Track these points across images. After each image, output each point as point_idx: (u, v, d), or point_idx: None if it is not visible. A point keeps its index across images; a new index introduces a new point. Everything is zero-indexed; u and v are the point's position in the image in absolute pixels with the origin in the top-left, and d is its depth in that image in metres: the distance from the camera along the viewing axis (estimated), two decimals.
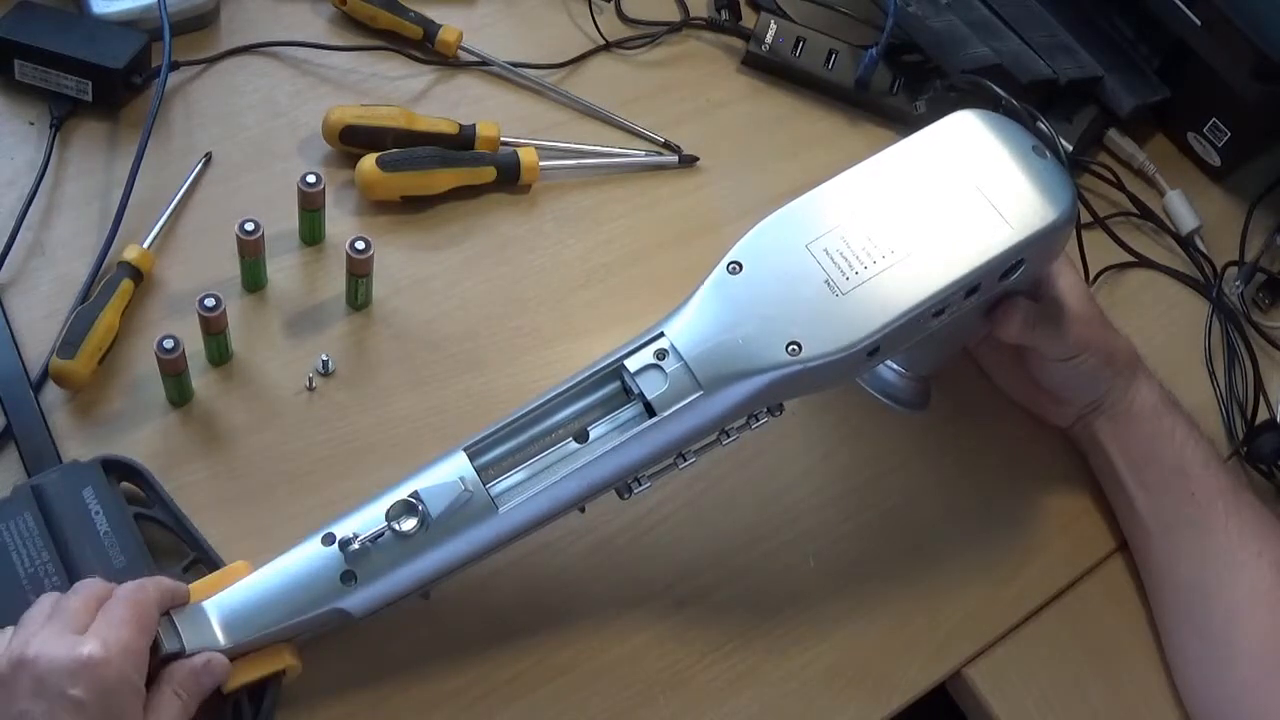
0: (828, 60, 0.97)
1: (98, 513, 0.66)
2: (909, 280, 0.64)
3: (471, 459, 0.63)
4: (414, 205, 0.85)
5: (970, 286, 0.65)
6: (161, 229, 0.80)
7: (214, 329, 0.74)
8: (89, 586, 0.60)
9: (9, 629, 0.58)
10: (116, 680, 0.56)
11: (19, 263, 0.78)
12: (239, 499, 0.72)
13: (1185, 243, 0.97)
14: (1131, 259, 0.94)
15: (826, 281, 0.64)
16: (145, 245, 0.78)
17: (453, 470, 0.63)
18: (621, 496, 0.65)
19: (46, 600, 0.60)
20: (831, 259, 0.64)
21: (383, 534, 0.61)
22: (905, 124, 0.95)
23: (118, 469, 0.69)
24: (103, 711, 0.55)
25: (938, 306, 0.64)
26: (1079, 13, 1.01)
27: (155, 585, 0.60)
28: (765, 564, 0.75)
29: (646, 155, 0.91)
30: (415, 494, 0.62)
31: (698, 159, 0.92)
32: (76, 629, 0.57)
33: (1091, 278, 0.90)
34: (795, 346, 0.63)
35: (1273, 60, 0.89)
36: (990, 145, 0.68)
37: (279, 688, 0.63)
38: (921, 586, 0.77)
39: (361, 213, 0.85)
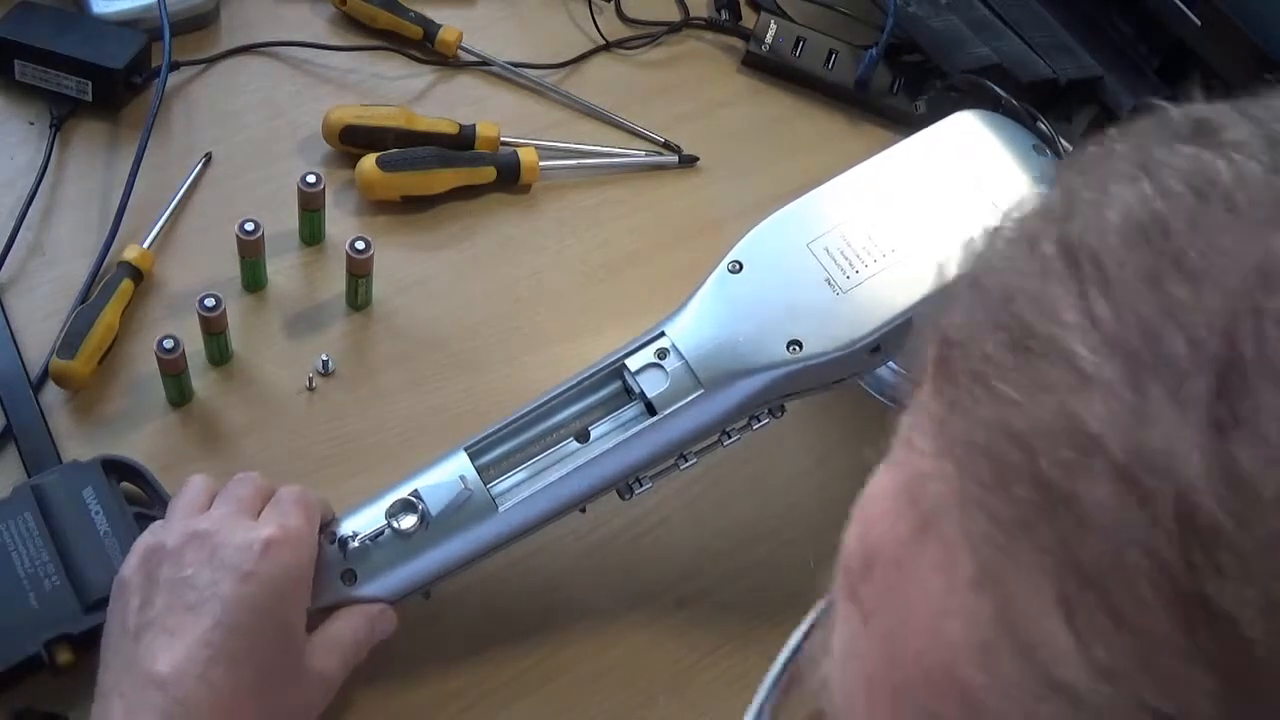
0: (828, 60, 0.97)
1: (98, 513, 0.66)
2: (909, 279, 0.64)
3: (472, 458, 0.63)
4: (414, 205, 0.85)
5: None
6: (161, 229, 0.80)
7: (214, 329, 0.74)
8: (254, 479, 0.62)
9: (159, 523, 0.60)
10: (289, 561, 0.58)
11: (19, 263, 0.78)
12: None
13: None
14: None
15: (827, 280, 0.64)
16: (145, 245, 0.78)
17: (453, 470, 0.63)
18: (622, 497, 0.65)
19: (198, 484, 0.62)
20: (832, 258, 0.64)
21: (383, 532, 0.61)
22: (905, 124, 0.95)
23: (118, 469, 0.69)
24: (270, 590, 0.56)
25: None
26: (1079, 13, 1.01)
27: (311, 492, 0.62)
28: (765, 565, 0.75)
29: (646, 155, 0.91)
30: (415, 492, 0.62)
31: (698, 159, 0.92)
32: (248, 515, 0.59)
33: None
34: (796, 345, 0.63)
35: (1273, 60, 0.89)
36: (991, 145, 0.68)
37: None
38: None
39: (361, 213, 0.85)
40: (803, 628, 0.45)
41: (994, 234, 0.28)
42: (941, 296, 0.28)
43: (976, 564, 0.24)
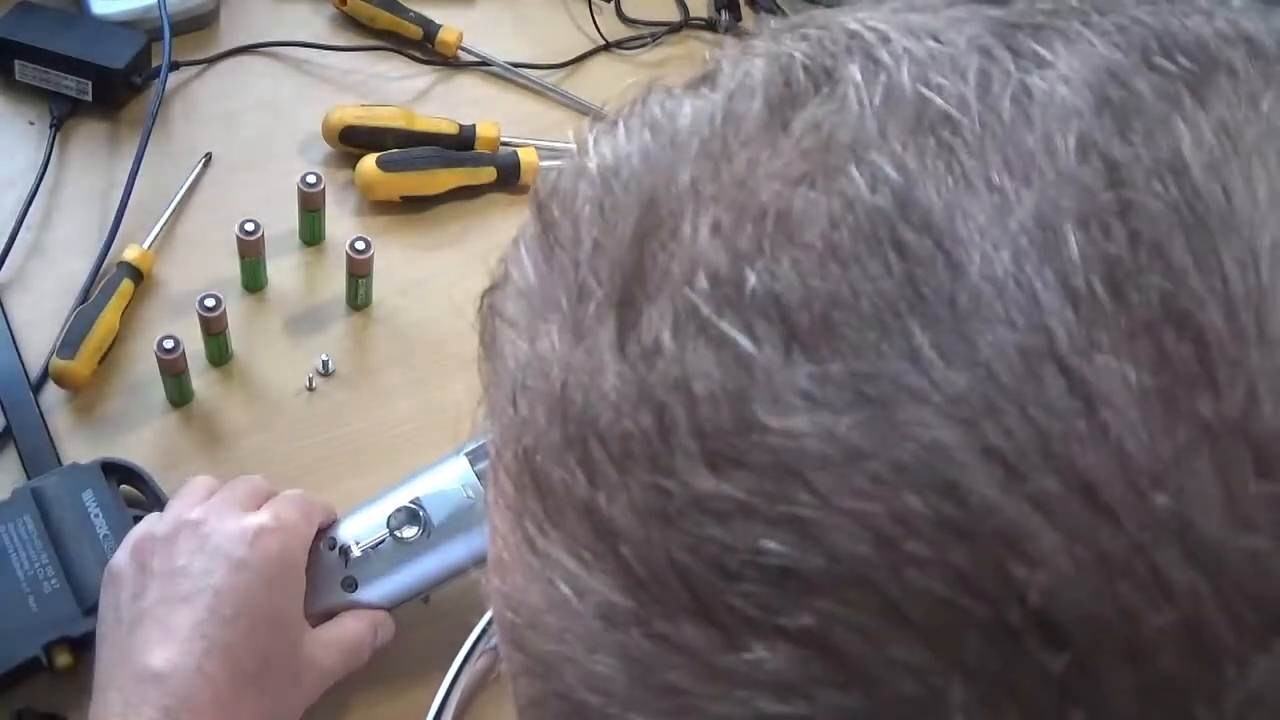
0: None
1: (97, 515, 0.66)
2: None
3: (472, 463, 0.63)
4: (414, 205, 0.85)
5: None
6: (161, 229, 0.80)
7: (214, 329, 0.74)
8: (254, 480, 0.62)
9: (153, 514, 0.60)
10: (281, 551, 0.57)
11: (19, 263, 0.78)
12: None
13: None
14: None
15: None
16: (145, 245, 0.78)
17: (454, 475, 0.63)
18: None
19: (200, 483, 0.61)
20: None
21: (384, 541, 0.61)
22: None
23: (118, 471, 0.69)
24: (263, 578, 0.56)
25: None
26: None
27: (318, 497, 0.63)
28: None
29: None
30: (417, 501, 0.62)
31: None
32: (242, 509, 0.59)
33: None
34: None
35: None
36: None
37: None
38: None
39: (361, 213, 0.85)
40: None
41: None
42: None
43: (492, 488, 0.28)
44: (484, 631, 0.52)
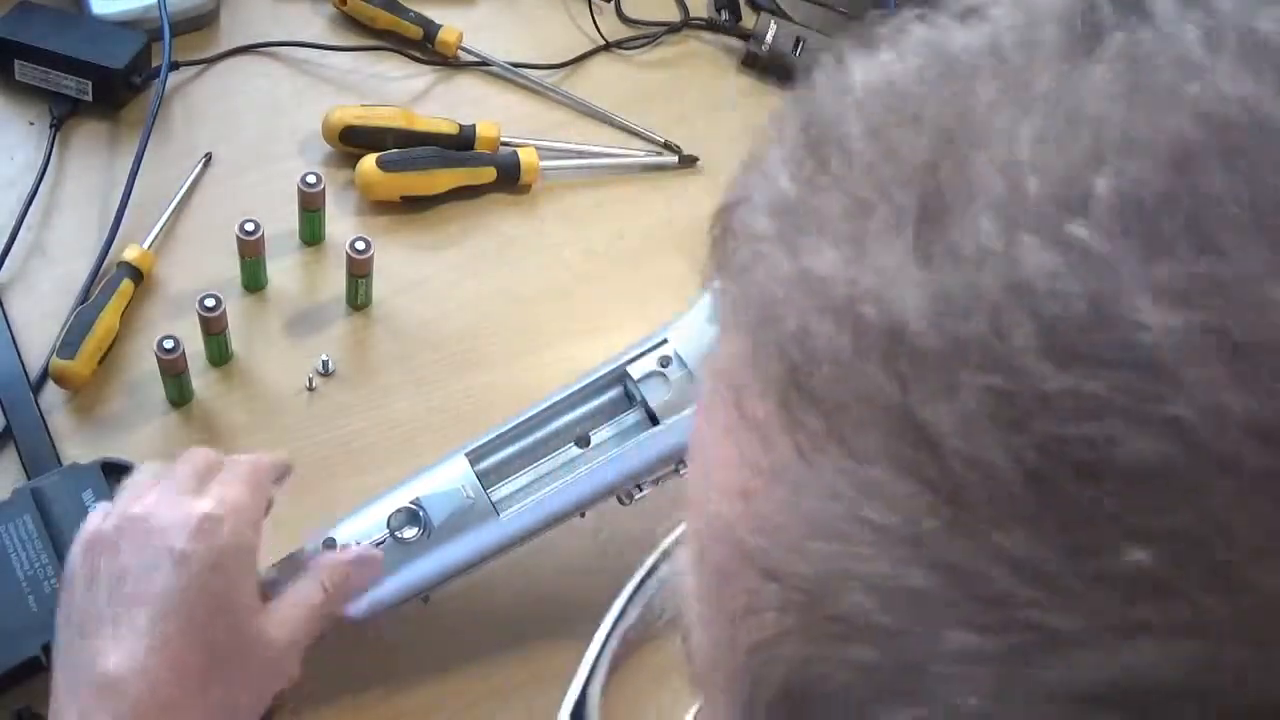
0: None
1: None
2: None
3: (472, 464, 0.63)
4: (414, 205, 0.85)
5: None
6: (162, 229, 0.80)
7: (214, 329, 0.74)
8: (196, 454, 0.60)
9: (101, 508, 0.58)
10: (229, 536, 0.56)
11: (19, 263, 0.78)
12: None
13: None
14: None
15: None
16: (145, 245, 0.78)
17: (453, 475, 0.63)
18: (622, 502, 0.65)
19: (148, 469, 0.60)
20: None
21: (384, 541, 0.61)
22: None
23: (117, 471, 0.69)
24: (211, 567, 0.54)
25: None
26: None
27: (265, 456, 0.62)
28: None
29: (646, 155, 0.92)
30: (417, 501, 0.62)
31: (698, 159, 0.92)
32: (187, 493, 0.57)
33: None
34: None
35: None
36: None
37: (280, 692, 0.63)
38: None
39: (361, 213, 0.85)
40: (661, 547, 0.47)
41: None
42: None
43: (737, 413, 0.26)
44: (635, 591, 0.51)
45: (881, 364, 0.23)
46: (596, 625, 0.71)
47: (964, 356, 0.22)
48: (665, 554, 0.42)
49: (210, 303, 0.72)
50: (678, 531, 0.32)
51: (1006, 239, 0.22)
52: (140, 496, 0.57)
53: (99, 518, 0.58)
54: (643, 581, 0.47)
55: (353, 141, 0.85)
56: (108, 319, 0.74)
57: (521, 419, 0.65)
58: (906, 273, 0.23)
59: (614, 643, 0.53)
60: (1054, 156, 0.22)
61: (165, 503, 0.56)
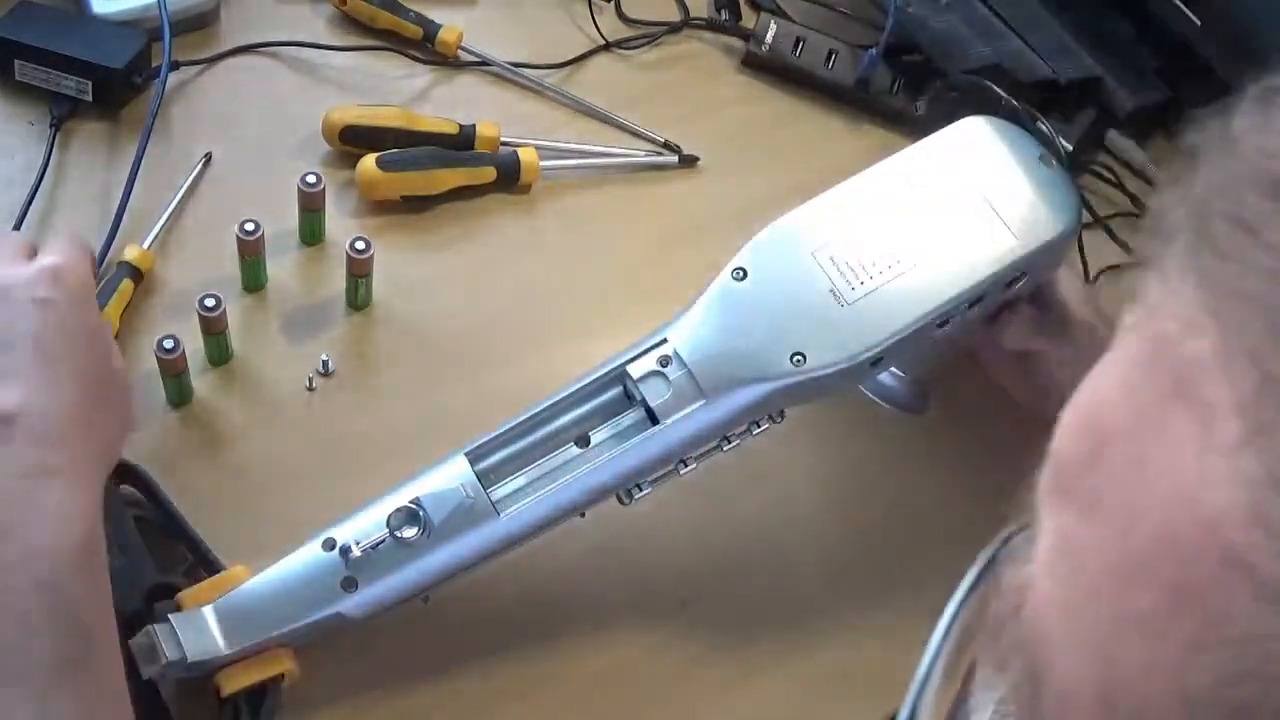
0: (828, 60, 0.97)
1: None
2: (914, 291, 0.64)
3: (472, 464, 0.63)
4: (414, 205, 0.85)
5: (975, 298, 0.65)
6: (162, 229, 0.80)
7: (214, 329, 0.74)
8: (13, 236, 0.67)
9: None
10: (81, 282, 0.59)
11: None
12: (239, 500, 0.72)
13: None
14: (1132, 259, 0.94)
15: (831, 291, 0.64)
16: (145, 245, 0.78)
17: (453, 475, 0.63)
18: (622, 502, 0.65)
19: None
20: (837, 268, 0.64)
21: (384, 541, 0.61)
22: (905, 124, 0.95)
23: (117, 471, 0.69)
24: (74, 306, 0.58)
25: (942, 318, 0.64)
26: (1079, 13, 1.01)
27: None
28: (766, 565, 0.75)
29: (646, 155, 0.91)
30: (417, 501, 0.62)
31: (698, 159, 0.92)
32: (21, 258, 0.59)
33: (1091, 277, 0.90)
34: (800, 357, 0.62)
35: (1273, 60, 0.89)
36: (998, 153, 0.68)
37: (278, 692, 0.63)
38: (923, 588, 0.76)
39: (361, 213, 0.85)
40: (974, 569, 0.44)
41: (1247, 99, 0.28)
42: (1182, 173, 0.28)
43: (1244, 422, 0.23)
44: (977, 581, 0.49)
45: None
46: (595, 626, 0.71)
47: None
48: (996, 558, 0.39)
49: (210, 303, 0.72)
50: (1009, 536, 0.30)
51: None
52: None
53: None
54: (975, 585, 0.44)
55: (353, 141, 0.85)
56: (108, 318, 0.74)
57: (521, 419, 0.65)
58: None
59: (946, 651, 0.51)
60: None
61: (6, 267, 0.58)
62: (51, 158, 0.82)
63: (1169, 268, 0.27)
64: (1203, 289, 0.26)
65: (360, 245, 0.76)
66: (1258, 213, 0.24)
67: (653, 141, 0.92)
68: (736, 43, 1.00)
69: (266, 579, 0.62)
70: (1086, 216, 0.92)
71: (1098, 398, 0.29)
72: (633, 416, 0.65)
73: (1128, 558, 0.26)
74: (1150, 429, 0.26)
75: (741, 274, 0.65)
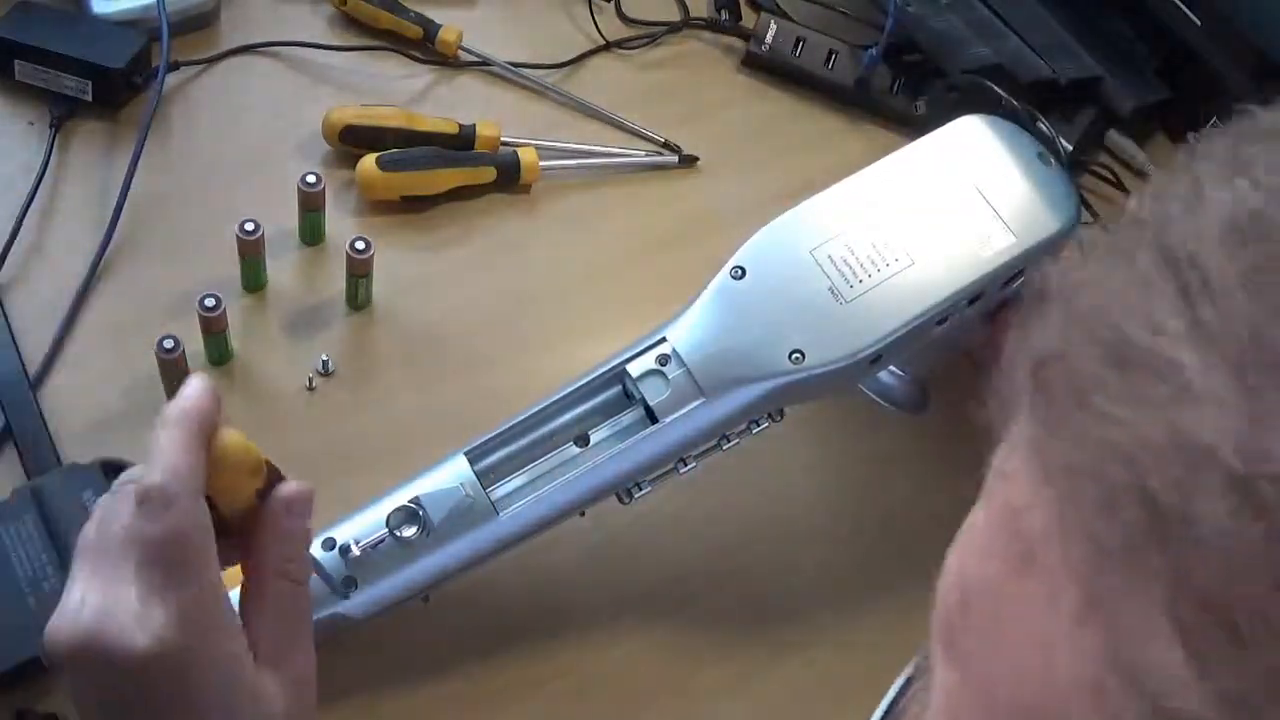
0: (828, 60, 0.97)
1: None
2: (913, 289, 0.64)
3: (472, 463, 0.63)
4: (414, 205, 0.85)
5: (973, 295, 0.65)
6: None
7: (214, 329, 0.74)
8: (126, 498, 0.47)
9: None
10: (191, 649, 0.44)
11: (19, 263, 0.78)
12: None
13: None
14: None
15: (830, 289, 0.64)
16: None
17: (453, 474, 0.63)
18: (622, 501, 0.65)
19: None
20: (835, 266, 0.64)
21: (383, 540, 0.61)
22: (905, 124, 0.95)
23: (117, 471, 0.69)
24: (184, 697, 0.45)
25: (941, 316, 0.64)
26: (1079, 13, 1.01)
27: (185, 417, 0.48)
28: (766, 564, 0.75)
29: (646, 155, 0.91)
30: (416, 500, 0.62)
31: (698, 159, 0.92)
32: (128, 580, 0.44)
33: None
34: (799, 355, 0.62)
35: (1273, 60, 0.89)
36: (996, 152, 0.68)
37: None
38: (922, 588, 0.76)
39: (361, 213, 0.85)
40: (898, 682, 0.44)
41: (1081, 250, 0.26)
42: (1028, 319, 0.27)
43: (1082, 595, 0.23)
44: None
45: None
46: (595, 626, 0.71)
47: None
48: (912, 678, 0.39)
49: (210, 303, 0.72)
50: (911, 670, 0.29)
51: None
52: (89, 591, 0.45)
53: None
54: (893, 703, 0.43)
55: (353, 141, 0.85)
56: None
57: (521, 418, 0.65)
58: None
59: None
60: None
61: (106, 619, 0.44)
62: (51, 158, 0.82)
63: (1013, 435, 0.26)
64: (1036, 462, 0.25)
65: (360, 245, 0.76)
66: (1092, 380, 0.24)
67: (653, 141, 0.92)
68: (736, 43, 1.00)
69: None
70: (1086, 216, 0.92)
71: (964, 551, 0.29)
72: (632, 415, 0.65)
73: None
74: (1006, 595, 0.26)
75: (740, 272, 0.65)
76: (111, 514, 0.46)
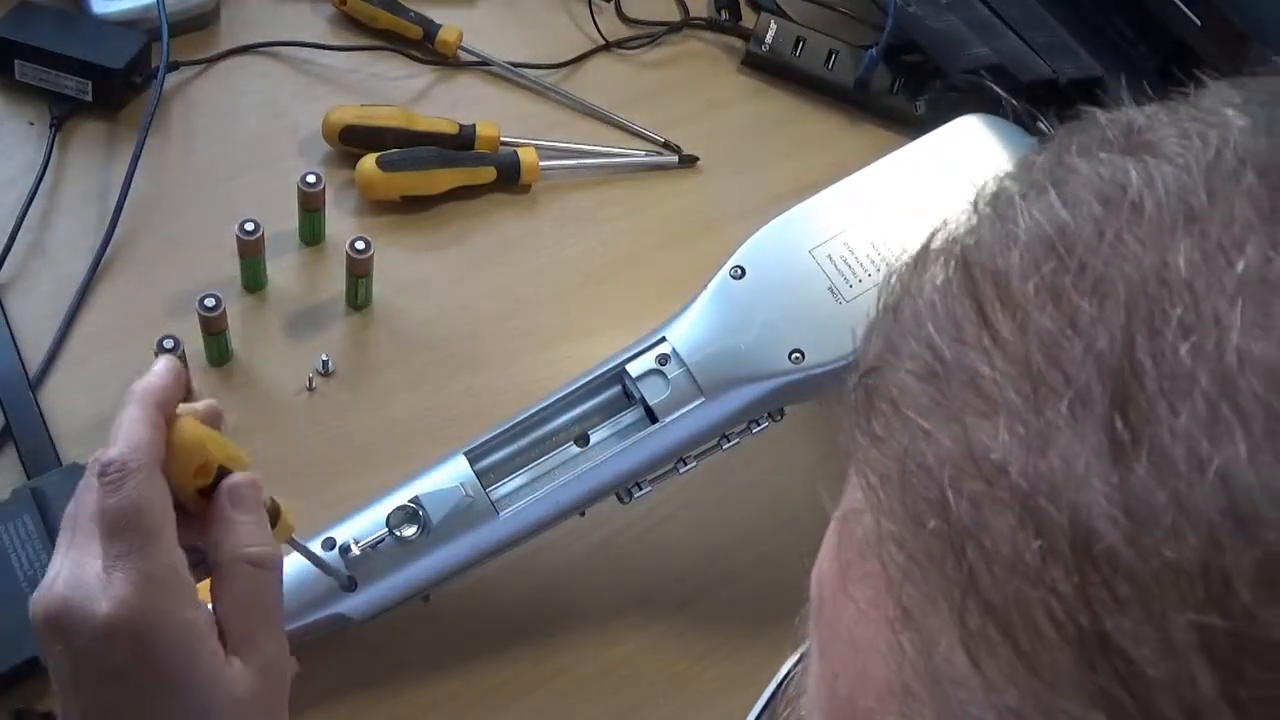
0: (828, 60, 0.97)
1: None
2: None
3: (472, 463, 0.63)
4: (414, 205, 0.85)
5: None
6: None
7: (214, 329, 0.74)
8: (112, 504, 0.47)
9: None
10: (152, 630, 0.44)
11: (19, 263, 0.78)
12: None
13: None
14: None
15: (830, 289, 0.64)
16: None
17: (453, 474, 0.63)
18: (622, 501, 0.65)
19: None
20: (835, 265, 0.64)
21: (384, 540, 0.61)
22: (905, 124, 0.95)
23: None
24: (142, 678, 0.45)
25: None
26: (1079, 13, 1.01)
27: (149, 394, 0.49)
28: (765, 564, 0.75)
29: (646, 155, 0.91)
30: (416, 499, 0.62)
31: (698, 159, 0.92)
32: (93, 552, 0.45)
33: None
34: (798, 354, 0.63)
35: (1273, 60, 0.89)
36: (996, 152, 0.68)
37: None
38: None
39: (361, 213, 0.85)
40: (785, 666, 0.44)
41: (914, 258, 0.27)
42: (867, 328, 0.27)
43: (895, 603, 0.23)
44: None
45: (1068, 576, 0.20)
46: (595, 625, 0.71)
47: (1172, 587, 0.19)
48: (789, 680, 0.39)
49: (210, 303, 0.72)
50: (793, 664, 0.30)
51: (1219, 447, 0.19)
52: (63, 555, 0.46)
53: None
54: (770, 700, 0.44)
55: (353, 141, 0.85)
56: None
57: (520, 418, 0.65)
58: (1097, 471, 0.20)
59: None
60: (1273, 351, 0.19)
61: (71, 587, 0.45)
62: (51, 157, 0.82)
63: (847, 444, 0.27)
64: (861, 470, 0.26)
65: (360, 245, 0.76)
66: (903, 390, 0.24)
67: (653, 141, 0.92)
68: (736, 43, 1.00)
69: None
70: None
71: (822, 550, 0.29)
72: (632, 415, 0.65)
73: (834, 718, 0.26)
74: (841, 597, 0.26)
75: (740, 272, 0.65)
76: (85, 488, 0.48)
